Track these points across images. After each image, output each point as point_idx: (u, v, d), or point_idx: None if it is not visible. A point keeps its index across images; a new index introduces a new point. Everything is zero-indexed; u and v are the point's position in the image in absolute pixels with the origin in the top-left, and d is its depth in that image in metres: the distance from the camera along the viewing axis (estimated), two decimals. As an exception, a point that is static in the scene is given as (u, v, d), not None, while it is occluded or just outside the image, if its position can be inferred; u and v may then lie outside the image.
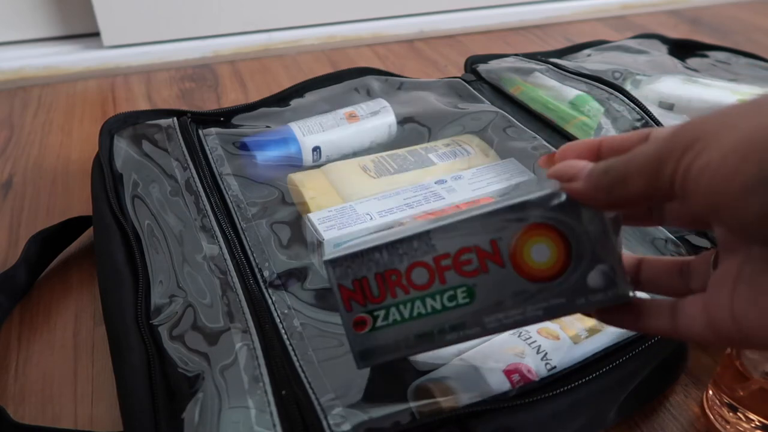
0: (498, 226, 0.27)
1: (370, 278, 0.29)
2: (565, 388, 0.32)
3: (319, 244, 0.42)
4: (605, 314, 0.28)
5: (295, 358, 0.34)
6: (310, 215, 0.44)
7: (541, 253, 0.27)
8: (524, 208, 0.27)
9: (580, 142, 0.29)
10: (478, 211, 0.27)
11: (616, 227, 0.27)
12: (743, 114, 0.20)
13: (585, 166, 0.25)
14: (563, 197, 0.26)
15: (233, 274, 0.40)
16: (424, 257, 0.28)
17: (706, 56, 0.77)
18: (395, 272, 0.28)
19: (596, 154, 0.28)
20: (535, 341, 0.35)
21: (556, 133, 0.56)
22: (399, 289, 0.28)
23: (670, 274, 0.29)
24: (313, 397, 0.32)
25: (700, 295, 0.25)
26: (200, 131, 0.55)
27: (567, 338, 0.35)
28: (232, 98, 0.78)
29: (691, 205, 0.21)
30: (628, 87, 0.64)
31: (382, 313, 0.29)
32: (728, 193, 0.19)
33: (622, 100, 0.56)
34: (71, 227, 0.51)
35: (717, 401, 0.37)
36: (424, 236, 0.28)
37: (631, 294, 0.27)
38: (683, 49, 0.79)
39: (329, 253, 0.29)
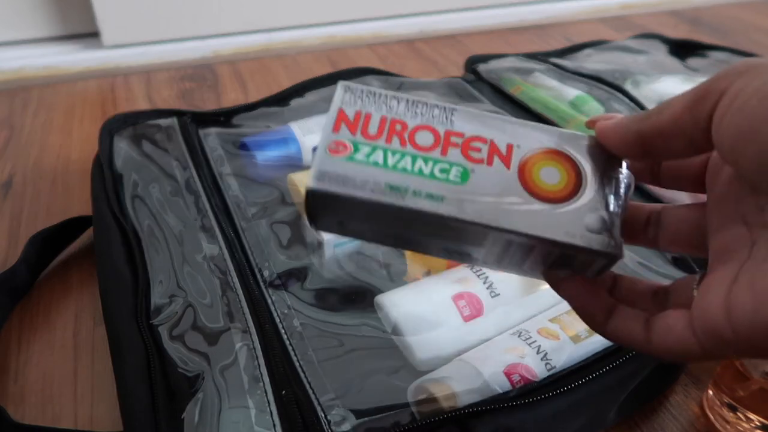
0: (523, 135, 0.27)
1: (375, 116, 0.27)
2: (565, 388, 0.32)
3: (320, 244, 0.42)
4: (576, 295, 0.27)
5: (295, 358, 0.34)
6: (310, 215, 0.44)
7: (551, 176, 0.26)
8: (557, 134, 0.27)
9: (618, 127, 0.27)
10: (510, 118, 0.27)
11: (627, 190, 0.27)
12: None
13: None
14: (592, 140, 0.27)
15: (233, 274, 0.40)
16: (437, 125, 0.27)
17: (706, 56, 0.77)
18: (402, 123, 0.27)
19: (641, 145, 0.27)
20: (535, 341, 0.35)
21: (556, 133, 0.56)
22: (397, 138, 0.27)
23: (644, 297, 0.28)
24: (312, 397, 0.32)
25: (681, 309, 0.24)
26: (200, 131, 0.55)
27: (567, 338, 0.35)
28: (232, 98, 0.78)
29: (723, 144, 0.21)
30: (628, 87, 0.64)
31: (366, 148, 0.26)
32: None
33: (622, 100, 0.56)
34: (71, 227, 0.51)
35: (717, 401, 0.37)
36: (448, 110, 0.27)
37: (618, 255, 0.26)
38: (683, 49, 0.79)
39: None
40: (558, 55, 0.76)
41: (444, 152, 0.27)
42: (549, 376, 0.33)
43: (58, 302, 0.47)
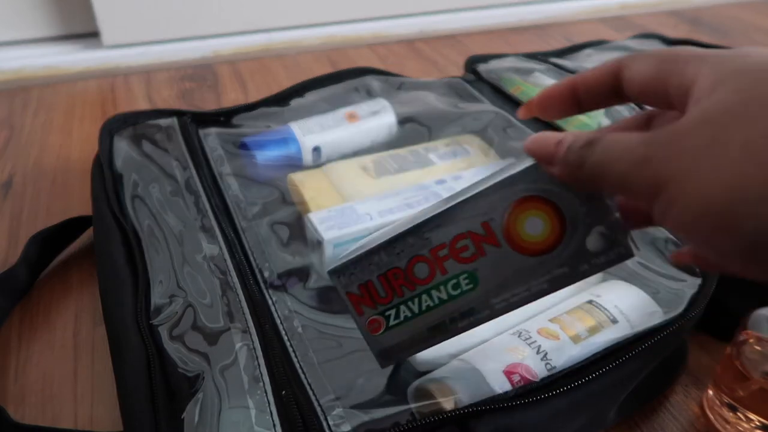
0: (486, 207, 0.27)
1: (374, 281, 0.29)
2: (565, 388, 0.32)
3: (319, 243, 0.42)
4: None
5: (295, 359, 0.34)
6: (311, 215, 0.44)
7: (534, 226, 0.26)
8: (509, 185, 0.26)
9: (555, 88, 0.27)
10: (463, 196, 0.27)
11: None
12: (707, 153, 0.19)
13: (560, 142, 0.24)
14: (536, 168, 0.26)
15: (233, 274, 0.40)
16: (421, 251, 0.28)
17: (706, 56, 0.77)
18: (397, 270, 0.29)
19: (574, 95, 0.27)
20: (535, 341, 0.35)
21: (556, 133, 0.56)
22: (404, 287, 0.29)
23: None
24: (312, 397, 0.32)
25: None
26: (200, 131, 0.55)
27: (567, 338, 0.35)
28: (232, 98, 0.78)
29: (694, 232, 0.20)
30: (628, 87, 0.64)
31: (392, 312, 0.30)
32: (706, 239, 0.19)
33: (622, 100, 0.56)
34: (71, 227, 0.51)
35: (717, 401, 0.37)
36: (417, 231, 0.28)
37: (631, 255, 0.26)
38: (683, 49, 0.79)
39: (331, 262, 0.30)
40: (558, 55, 0.76)
41: (444, 271, 0.28)
42: (549, 376, 0.33)
43: (58, 302, 0.47)
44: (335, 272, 0.30)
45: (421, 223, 0.28)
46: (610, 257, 0.26)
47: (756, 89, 0.19)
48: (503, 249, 0.27)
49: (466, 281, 0.28)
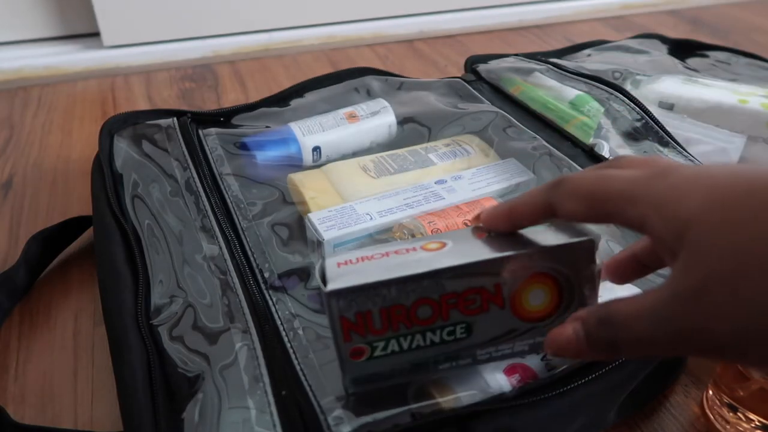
0: (505, 271, 0.28)
1: (375, 312, 0.28)
2: (565, 388, 0.32)
3: (319, 243, 0.42)
4: None
5: (295, 361, 0.34)
6: (311, 215, 0.44)
7: (537, 297, 0.29)
8: (532, 258, 0.28)
9: (492, 214, 0.30)
10: (491, 255, 0.28)
11: (599, 277, 0.29)
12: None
13: (573, 328, 0.26)
14: (564, 251, 0.28)
15: (233, 274, 0.40)
16: (431, 295, 0.28)
17: (706, 56, 0.77)
18: (401, 307, 0.29)
19: (513, 226, 0.30)
20: (535, 341, 0.35)
21: (556, 133, 0.56)
22: (402, 324, 0.29)
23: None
24: (313, 398, 0.32)
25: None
26: (200, 131, 0.55)
27: (567, 338, 0.35)
28: (232, 98, 0.78)
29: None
30: (628, 87, 0.64)
31: (381, 344, 0.29)
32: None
33: (622, 100, 0.56)
34: (71, 227, 0.51)
35: (717, 401, 0.37)
36: (435, 276, 0.28)
37: None
38: (683, 49, 0.79)
39: (332, 283, 0.28)
40: (558, 55, 0.76)
41: (445, 317, 0.29)
42: (549, 376, 0.33)
43: (58, 302, 0.47)
44: (335, 294, 0.28)
45: (441, 269, 0.28)
46: (602, 304, 0.29)
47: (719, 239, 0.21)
48: (505, 310, 0.29)
49: (462, 330, 0.29)
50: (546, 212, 0.27)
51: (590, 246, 0.28)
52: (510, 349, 0.30)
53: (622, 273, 0.31)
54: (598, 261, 0.29)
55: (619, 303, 0.24)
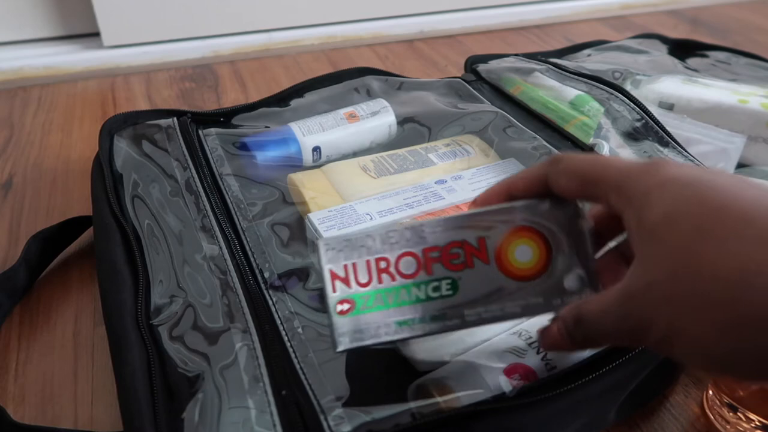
0: (487, 224, 0.29)
1: (360, 263, 0.29)
2: (565, 388, 0.32)
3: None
4: None
5: (295, 360, 0.34)
6: (310, 215, 0.44)
7: (524, 254, 0.29)
8: (513, 212, 0.29)
9: (492, 192, 0.31)
10: (471, 211, 0.30)
11: (590, 235, 0.29)
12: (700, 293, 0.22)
13: (558, 329, 0.28)
14: (548, 205, 0.29)
15: (233, 274, 0.40)
16: (414, 248, 0.29)
17: (706, 56, 0.77)
18: (385, 259, 0.29)
19: (510, 199, 0.31)
20: (535, 341, 0.35)
21: (556, 133, 0.56)
22: (386, 276, 0.29)
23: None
24: (313, 398, 0.32)
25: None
26: (200, 131, 0.55)
27: (567, 338, 0.35)
28: (232, 98, 0.78)
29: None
30: (628, 87, 0.64)
31: (366, 297, 0.29)
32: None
33: (622, 100, 0.56)
34: (71, 227, 0.51)
35: (717, 401, 0.37)
36: (417, 228, 0.29)
37: None
38: (683, 49, 0.79)
39: (324, 234, 0.30)
40: (558, 55, 0.76)
41: (429, 271, 0.30)
42: (549, 376, 0.33)
43: (58, 302, 0.47)
44: (325, 244, 0.29)
45: (422, 223, 0.29)
46: (581, 298, 0.29)
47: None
48: (490, 267, 0.29)
49: (448, 287, 0.29)
50: (541, 185, 0.29)
51: (575, 205, 0.29)
52: (500, 310, 0.29)
53: (603, 225, 0.31)
54: (584, 218, 0.29)
55: (587, 303, 0.26)
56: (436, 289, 0.29)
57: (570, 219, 0.29)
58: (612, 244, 0.31)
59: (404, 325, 0.30)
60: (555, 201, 0.29)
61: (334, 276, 0.29)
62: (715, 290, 0.21)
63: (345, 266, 0.29)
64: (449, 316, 0.30)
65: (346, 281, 0.29)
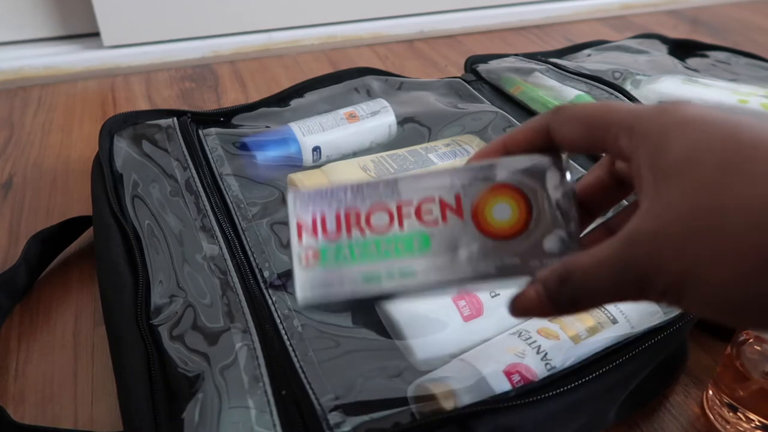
0: (465, 181, 0.28)
1: (329, 214, 0.28)
2: (565, 388, 0.32)
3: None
4: None
5: (295, 359, 0.34)
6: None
7: (502, 212, 0.27)
8: (493, 168, 0.27)
9: (486, 150, 0.29)
10: (451, 167, 0.28)
11: (572, 195, 0.28)
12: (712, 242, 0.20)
13: (535, 290, 0.25)
14: (530, 163, 0.27)
15: (233, 274, 0.40)
16: (386, 201, 0.28)
17: (706, 56, 0.77)
18: (356, 212, 0.28)
19: (504, 149, 0.29)
20: (535, 341, 0.35)
21: (556, 133, 0.56)
22: (355, 229, 0.28)
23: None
24: (312, 397, 0.32)
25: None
26: (200, 131, 0.55)
27: (567, 338, 0.35)
28: (232, 98, 0.78)
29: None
30: (628, 87, 0.64)
31: (333, 249, 0.28)
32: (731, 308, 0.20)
33: (622, 100, 0.56)
34: (71, 227, 0.51)
35: (717, 401, 0.37)
36: (391, 182, 0.28)
37: None
38: (683, 49, 0.79)
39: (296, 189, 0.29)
40: (558, 55, 0.76)
41: (401, 226, 0.28)
42: (549, 376, 0.33)
43: (58, 302, 0.47)
44: (296, 195, 0.28)
45: (397, 177, 0.28)
46: (561, 261, 0.27)
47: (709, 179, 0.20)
48: (465, 223, 0.28)
49: (419, 243, 0.28)
50: (543, 137, 0.27)
51: (558, 161, 0.27)
52: (473, 270, 0.28)
53: (592, 199, 0.29)
54: (567, 177, 0.27)
55: (576, 259, 0.24)
56: (408, 244, 0.28)
57: (553, 178, 0.27)
58: (600, 220, 0.29)
59: (371, 279, 0.28)
60: (539, 159, 0.28)
61: (301, 226, 0.28)
62: (743, 224, 0.19)
63: (314, 217, 0.28)
64: (418, 273, 0.28)
65: (313, 232, 0.28)
